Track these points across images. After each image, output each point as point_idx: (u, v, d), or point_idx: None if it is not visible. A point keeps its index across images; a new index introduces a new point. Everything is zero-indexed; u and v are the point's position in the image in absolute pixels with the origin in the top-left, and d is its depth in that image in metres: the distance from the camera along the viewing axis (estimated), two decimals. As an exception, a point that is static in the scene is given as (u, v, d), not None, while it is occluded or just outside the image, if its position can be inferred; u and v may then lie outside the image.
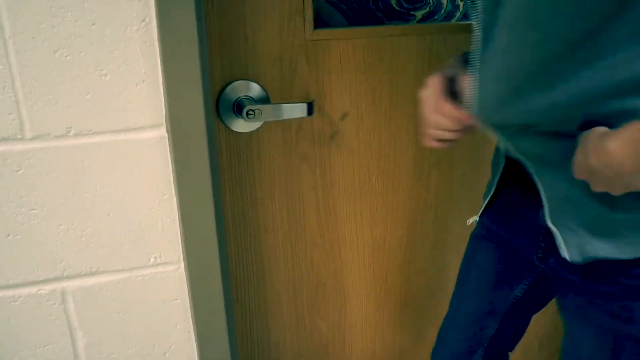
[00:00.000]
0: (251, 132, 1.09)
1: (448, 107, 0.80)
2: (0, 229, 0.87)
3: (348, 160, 1.17)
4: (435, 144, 0.86)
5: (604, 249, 0.77)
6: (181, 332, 1.01)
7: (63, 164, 0.87)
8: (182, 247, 0.95)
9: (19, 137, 0.84)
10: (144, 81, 0.86)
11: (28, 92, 0.82)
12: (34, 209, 0.88)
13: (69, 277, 0.93)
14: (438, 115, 0.82)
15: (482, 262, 1.00)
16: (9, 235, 0.88)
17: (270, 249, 1.18)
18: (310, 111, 1.04)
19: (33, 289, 0.92)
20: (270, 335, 1.26)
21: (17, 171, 0.85)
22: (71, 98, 0.84)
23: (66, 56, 0.82)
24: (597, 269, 0.79)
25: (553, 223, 0.80)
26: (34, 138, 0.85)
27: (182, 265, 0.97)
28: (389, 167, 1.20)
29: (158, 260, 0.96)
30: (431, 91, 0.83)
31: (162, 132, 0.89)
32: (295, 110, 1.03)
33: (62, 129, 0.85)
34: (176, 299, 0.99)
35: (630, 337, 0.79)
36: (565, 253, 0.79)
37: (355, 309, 1.31)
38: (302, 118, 1.11)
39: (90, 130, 0.86)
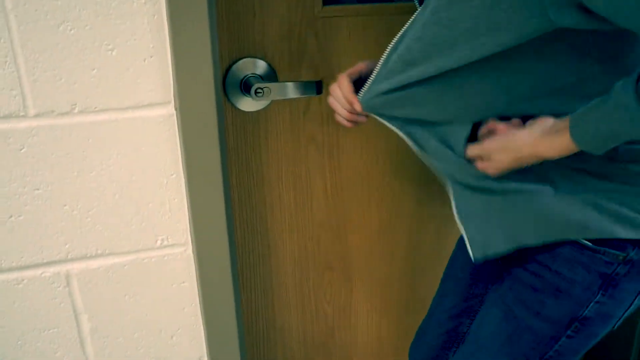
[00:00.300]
0: (258, 112, 1.06)
1: (344, 83, 0.85)
2: (3, 210, 0.84)
3: (356, 141, 1.15)
4: (338, 119, 0.90)
5: (498, 243, 0.81)
6: (188, 316, 0.99)
7: (68, 143, 0.84)
8: (190, 229, 0.93)
9: (22, 114, 0.81)
10: (152, 56, 0.83)
11: (31, 68, 0.79)
12: (37, 189, 0.85)
13: (73, 259, 0.90)
14: (335, 86, 0.87)
15: (463, 260, 1.02)
16: (11, 216, 0.85)
17: (277, 232, 1.16)
18: (319, 90, 1.01)
19: (37, 272, 0.89)
20: (276, 319, 1.25)
21: (20, 150, 0.82)
22: (76, 74, 0.81)
23: (70, 30, 0.79)
24: (528, 262, 0.81)
25: (460, 218, 0.85)
26: (37, 115, 0.81)
27: (190, 247, 0.95)
28: (397, 148, 1.18)
29: (165, 242, 0.93)
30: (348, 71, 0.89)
31: (170, 110, 0.86)
32: (304, 89, 1.01)
33: (66, 106, 0.82)
34: (184, 282, 0.97)
35: (530, 330, 0.81)
36: (470, 252, 0.84)
37: (361, 292, 1.29)
38: (309, 97, 1.08)
39: (95, 108, 0.83)
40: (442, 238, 1.30)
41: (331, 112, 1.10)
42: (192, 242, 0.94)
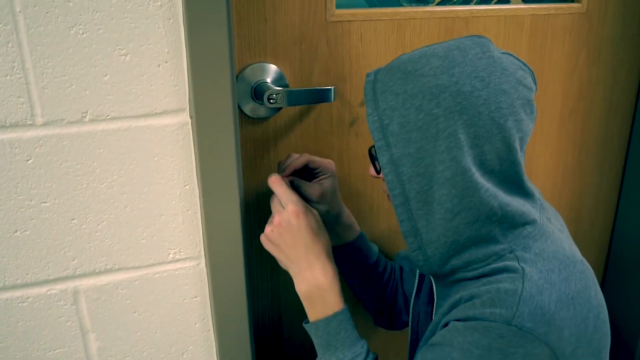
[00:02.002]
0: (268, 119, 1.03)
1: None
2: (8, 224, 0.80)
3: (366, 148, 1.12)
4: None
5: None
6: (200, 332, 0.95)
7: (77, 153, 0.79)
8: (203, 242, 0.89)
9: (29, 122, 0.76)
10: (167, 62, 0.79)
11: (40, 74, 0.75)
12: (44, 202, 0.80)
13: (81, 276, 0.86)
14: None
15: None
16: (16, 231, 0.80)
17: (286, 242, 1.12)
18: (334, 96, 0.99)
19: (43, 289, 0.84)
20: (283, 331, 1.21)
21: (27, 160, 0.78)
22: (87, 80, 0.77)
23: (82, 33, 0.74)
24: None
25: None
26: (45, 124, 0.77)
27: (202, 261, 0.91)
28: (407, 155, 1.15)
29: (177, 256, 0.89)
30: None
31: (184, 118, 0.82)
32: (319, 96, 0.98)
33: (76, 114, 0.78)
34: (195, 297, 0.93)
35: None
36: None
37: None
38: (320, 104, 1.05)
39: (107, 116, 0.79)
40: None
41: (342, 116, 1.08)
42: (205, 255, 0.90)
